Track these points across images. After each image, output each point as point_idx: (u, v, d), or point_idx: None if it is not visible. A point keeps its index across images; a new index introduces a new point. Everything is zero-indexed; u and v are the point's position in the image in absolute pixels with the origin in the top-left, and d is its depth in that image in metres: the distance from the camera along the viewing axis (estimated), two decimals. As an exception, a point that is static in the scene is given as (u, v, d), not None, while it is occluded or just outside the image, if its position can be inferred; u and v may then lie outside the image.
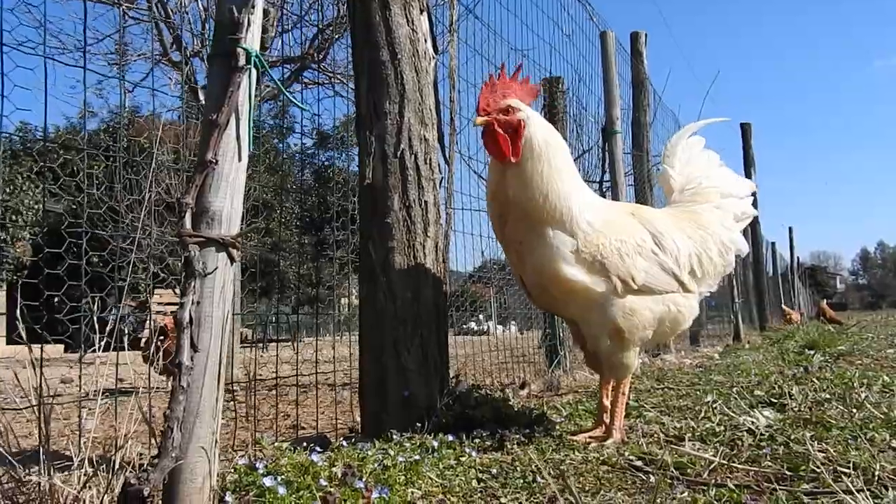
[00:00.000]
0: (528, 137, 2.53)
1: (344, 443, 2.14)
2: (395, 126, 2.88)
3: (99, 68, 8.66)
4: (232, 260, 1.89)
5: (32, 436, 2.33)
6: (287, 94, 2.33)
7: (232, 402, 5.05)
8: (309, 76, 10.37)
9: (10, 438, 2.04)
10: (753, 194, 3.13)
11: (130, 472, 1.70)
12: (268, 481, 1.65)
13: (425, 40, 3.00)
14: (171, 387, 1.70)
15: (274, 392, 5.77)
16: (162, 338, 6.63)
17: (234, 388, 6.23)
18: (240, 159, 1.93)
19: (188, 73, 7.94)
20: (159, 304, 15.01)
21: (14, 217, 17.65)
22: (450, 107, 3.14)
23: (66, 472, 1.99)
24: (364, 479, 1.93)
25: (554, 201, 2.51)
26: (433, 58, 3.05)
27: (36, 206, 17.56)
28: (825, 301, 21.21)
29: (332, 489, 1.78)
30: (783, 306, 20.10)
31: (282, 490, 1.67)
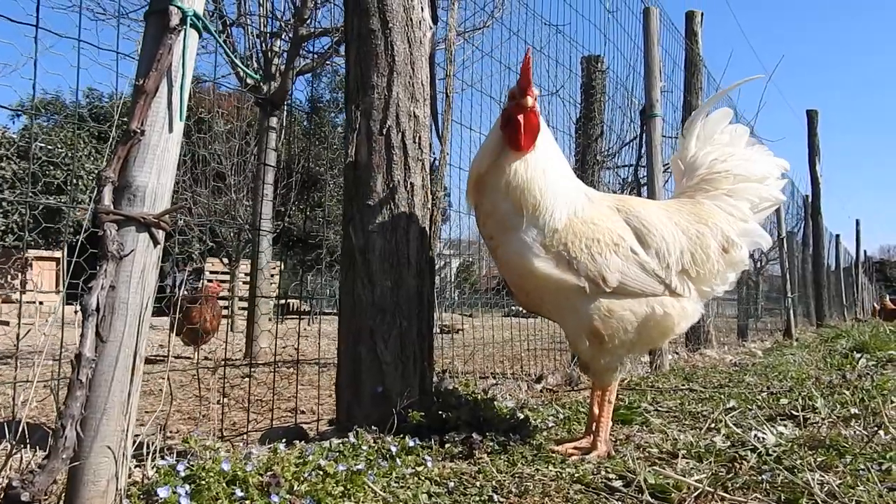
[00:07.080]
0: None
1: (282, 446, 1.96)
2: (382, 101, 2.65)
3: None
4: (155, 241, 1.71)
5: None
6: (234, 59, 2.14)
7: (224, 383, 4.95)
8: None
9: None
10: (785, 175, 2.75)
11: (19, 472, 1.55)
12: (162, 492, 1.47)
13: (421, 8, 2.74)
14: (69, 380, 1.54)
15: (293, 371, 5.67)
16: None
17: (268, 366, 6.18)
18: (171, 130, 1.75)
19: (229, 42, 7.80)
20: (211, 272, 15.37)
21: (75, 181, 17.98)
22: (446, 81, 2.89)
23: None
24: (296, 489, 1.75)
25: (536, 194, 2.32)
26: (430, 28, 2.80)
27: (96, 171, 17.86)
28: (889, 297, 20.19)
29: (249, 501, 1.61)
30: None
31: (184, 502, 1.49)
